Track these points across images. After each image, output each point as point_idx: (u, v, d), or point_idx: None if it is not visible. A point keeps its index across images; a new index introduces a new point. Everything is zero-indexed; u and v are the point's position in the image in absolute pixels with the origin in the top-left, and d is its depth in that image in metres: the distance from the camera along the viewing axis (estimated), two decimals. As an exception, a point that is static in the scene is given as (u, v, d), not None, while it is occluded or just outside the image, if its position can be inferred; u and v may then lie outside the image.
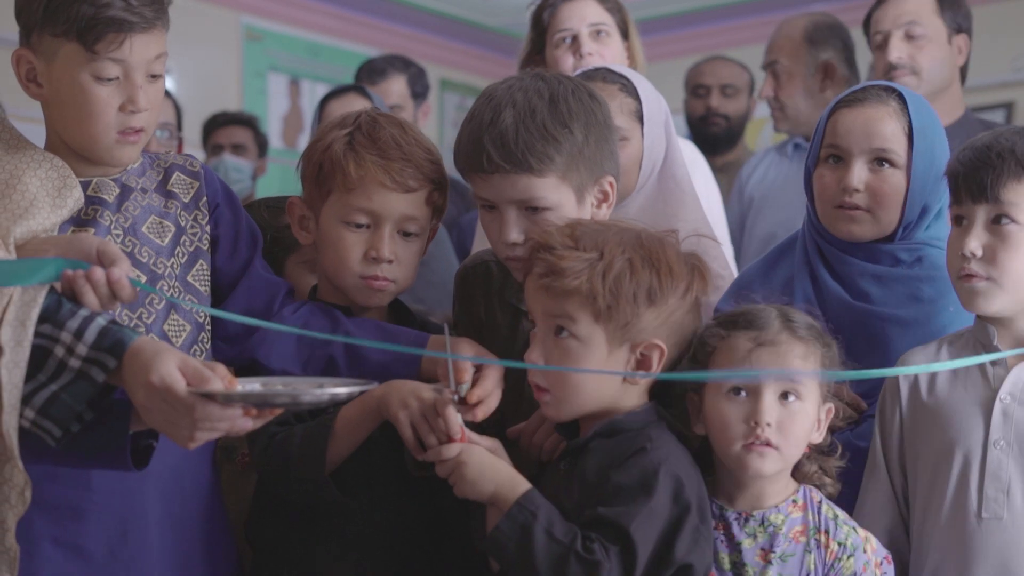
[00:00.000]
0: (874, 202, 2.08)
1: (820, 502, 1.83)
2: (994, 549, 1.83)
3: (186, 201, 2.00)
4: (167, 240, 1.96)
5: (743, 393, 1.78)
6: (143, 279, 1.89)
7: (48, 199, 1.82)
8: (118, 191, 1.95)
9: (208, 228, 2.01)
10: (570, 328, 1.76)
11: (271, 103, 6.51)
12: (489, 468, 1.74)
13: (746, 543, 1.79)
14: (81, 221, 1.90)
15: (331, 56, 6.75)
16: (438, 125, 6.81)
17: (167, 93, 3.63)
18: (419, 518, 1.97)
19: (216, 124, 4.70)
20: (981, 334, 1.93)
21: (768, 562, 1.78)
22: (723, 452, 1.81)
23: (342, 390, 1.62)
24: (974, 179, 1.87)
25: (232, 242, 2.02)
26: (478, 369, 1.83)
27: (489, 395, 1.82)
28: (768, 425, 1.76)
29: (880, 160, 2.08)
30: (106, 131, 1.88)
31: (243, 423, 1.60)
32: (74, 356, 1.61)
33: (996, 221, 1.86)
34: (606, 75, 2.32)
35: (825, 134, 2.13)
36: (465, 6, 6.88)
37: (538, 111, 1.89)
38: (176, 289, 1.94)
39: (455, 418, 1.74)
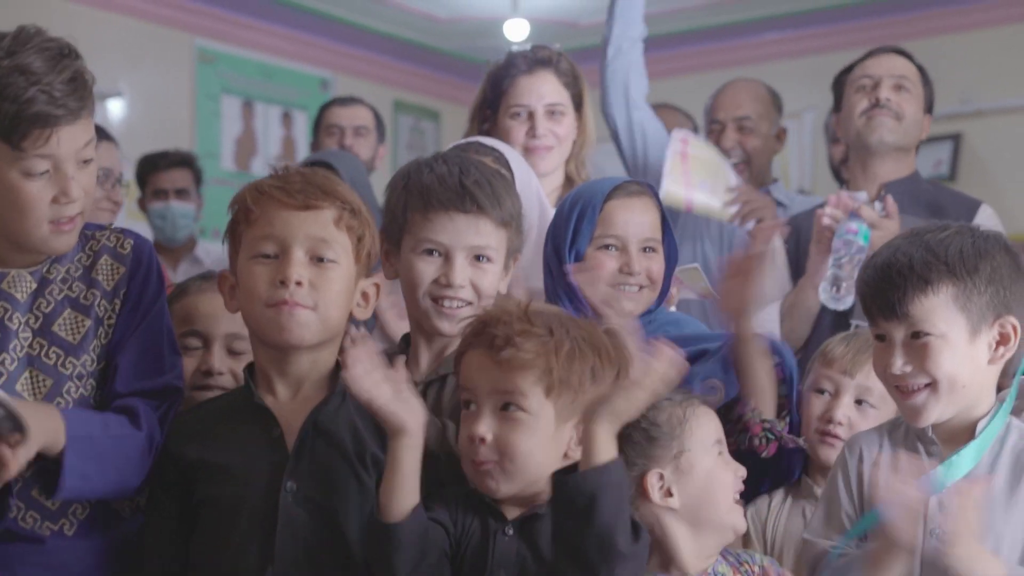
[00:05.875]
0: None
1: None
2: None
3: (108, 289, 1.94)
4: (80, 336, 1.90)
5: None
6: (48, 382, 1.88)
7: None
8: (34, 286, 1.91)
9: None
10: (520, 403, 1.77)
11: (224, 125, 6.48)
12: None
13: None
14: None
15: (285, 78, 6.74)
16: (392, 147, 6.80)
17: (108, 136, 3.47)
18: None
19: (156, 167, 4.48)
20: (915, 427, 1.93)
21: None
22: (718, 516, 1.90)
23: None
24: (882, 299, 1.87)
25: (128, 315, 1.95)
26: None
27: None
28: None
29: None
30: (38, 225, 1.84)
31: None
32: None
33: (914, 336, 1.86)
34: (479, 148, 2.48)
35: None
36: (419, 29, 6.87)
37: (492, 173, 2.12)
38: (88, 386, 1.90)
39: None
